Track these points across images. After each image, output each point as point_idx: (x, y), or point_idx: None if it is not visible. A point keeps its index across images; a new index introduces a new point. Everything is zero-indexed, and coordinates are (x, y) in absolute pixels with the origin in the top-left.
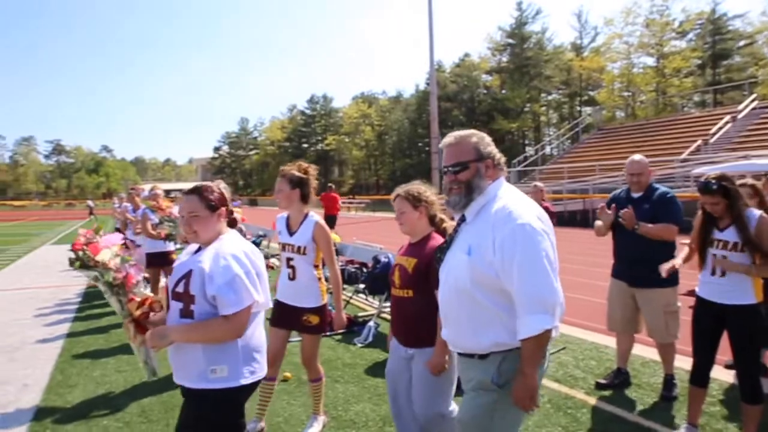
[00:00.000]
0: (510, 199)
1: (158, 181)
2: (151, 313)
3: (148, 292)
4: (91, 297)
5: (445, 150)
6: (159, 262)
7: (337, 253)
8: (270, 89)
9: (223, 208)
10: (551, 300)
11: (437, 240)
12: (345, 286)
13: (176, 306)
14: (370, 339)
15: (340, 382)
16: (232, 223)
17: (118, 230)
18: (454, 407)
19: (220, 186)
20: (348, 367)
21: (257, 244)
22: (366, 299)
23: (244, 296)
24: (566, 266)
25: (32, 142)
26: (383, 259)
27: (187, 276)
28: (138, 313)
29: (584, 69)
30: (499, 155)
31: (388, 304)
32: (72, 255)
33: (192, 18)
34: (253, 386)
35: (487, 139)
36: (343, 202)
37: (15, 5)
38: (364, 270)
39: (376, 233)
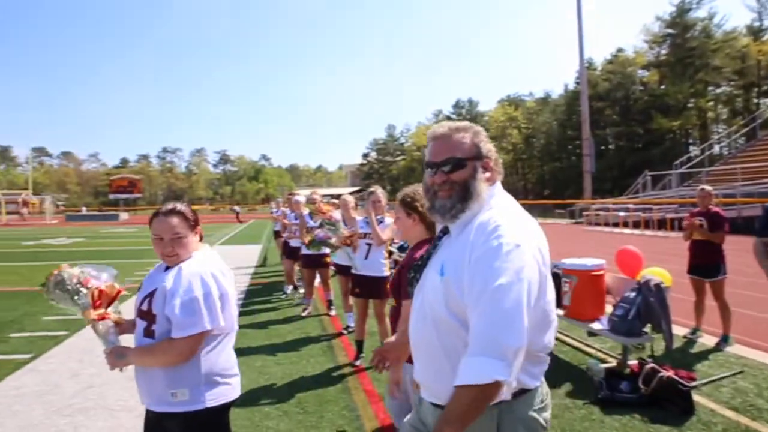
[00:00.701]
0: (501, 211)
1: (310, 187)
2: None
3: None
4: (253, 294)
5: (433, 143)
6: (314, 264)
7: None
8: (416, 95)
9: (198, 226)
10: (513, 344)
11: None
12: None
13: (141, 325)
14: None
15: None
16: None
17: (277, 233)
18: None
19: (377, 192)
20: None
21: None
22: None
23: (197, 320)
24: (742, 280)
25: (203, 153)
26: None
27: (152, 294)
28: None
29: (764, 55)
30: (497, 154)
31: None
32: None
33: (345, 28)
34: (225, 408)
35: (485, 133)
36: None
37: (194, 32)
38: None
39: None
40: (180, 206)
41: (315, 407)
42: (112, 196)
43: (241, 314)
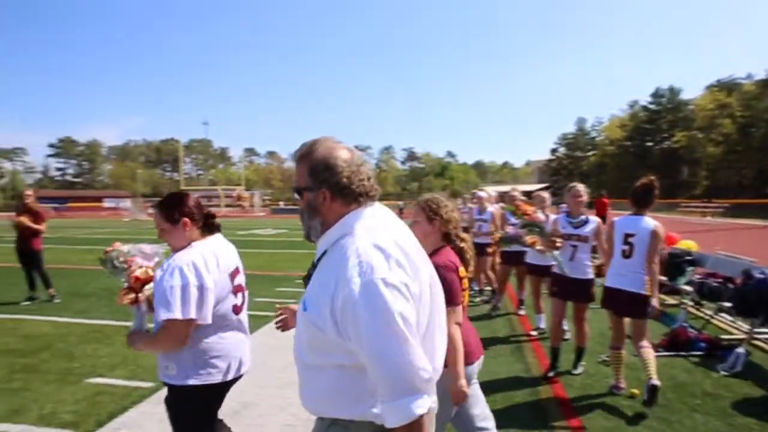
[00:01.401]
0: (364, 241)
1: (497, 183)
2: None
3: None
4: None
5: None
6: (511, 261)
7: (695, 263)
8: (608, 86)
9: (186, 219)
10: (419, 375)
11: (443, 256)
12: (705, 302)
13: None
14: (738, 368)
15: (698, 411)
16: (212, 226)
17: (465, 229)
18: None
19: (578, 187)
20: (709, 397)
21: None
22: (732, 321)
23: (170, 308)
24: None
25: (392, 150)
26: (758, 275)
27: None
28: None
29: None
30: (348, 183)
31: (763, 329)
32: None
33: (530, 19)
34: (211, 388)
35: (339, 160)
36: (696, 207)
37: (386, 32)
38: (730, 285)
39: (742, 243)
40: (164, 199)
41: (503, 408)
42: None
43: None
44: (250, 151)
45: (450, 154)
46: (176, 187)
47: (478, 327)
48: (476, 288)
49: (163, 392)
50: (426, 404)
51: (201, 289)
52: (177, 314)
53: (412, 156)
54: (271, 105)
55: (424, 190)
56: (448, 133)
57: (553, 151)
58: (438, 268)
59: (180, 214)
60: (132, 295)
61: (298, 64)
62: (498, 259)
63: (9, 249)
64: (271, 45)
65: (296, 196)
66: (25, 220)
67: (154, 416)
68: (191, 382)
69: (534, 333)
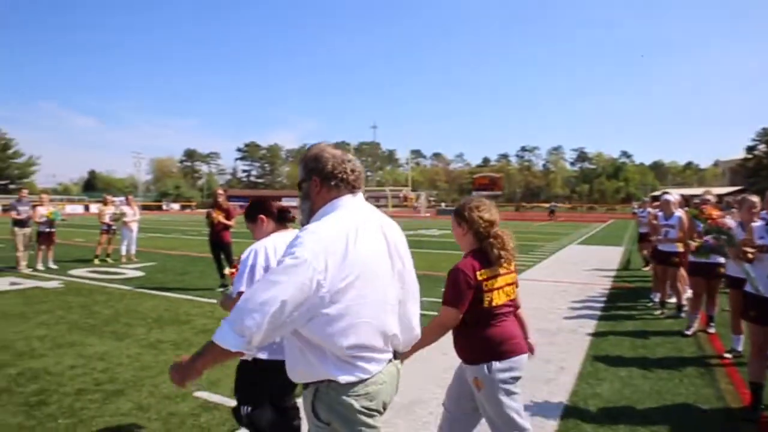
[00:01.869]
0: (315, 225)
1: (678, 186)
2: None
3: None
4: (615, 298)
5: None
6: (703, 273)
7: None
8: None
9: (261, 215)
10: (249, 325)
11: (463, 260)
12: None
13: None
14: None
15: None
16: (285, 220)
17: (642, 236)
18: None
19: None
20: None
21: None
22: None
23: (239, 283)
24: None
25: (560, 151)
26: None
27: None
28: None
29: None
30: (332, 170)
31: None
32: None
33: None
34: (271, 364)
35: (326, 153)
36: None
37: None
38: None
39: None
40: (246, 207)
41: None
42: (474, 193)
43: (602, 318)
44: (417, 153)
45: (625, 154)
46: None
47: (660, 343)
48: (656, 300)
49: None
50: (237, 347)
51: (266, 269)
52: (243, 288)
53: (582, 156)
54: (436, 108)
55: (595, 192)
56: (622, 131)
57: (750, 149)
58: (450, 271)
59: (257, 213)
60: (234, 270)
61: (461, 68)
62: (683, 271)
63: (204, 241)
64: (438, 51)
65: (299, 191)
66: (218, 216)
67: None
68: (259, 357)
69: (728, 356)
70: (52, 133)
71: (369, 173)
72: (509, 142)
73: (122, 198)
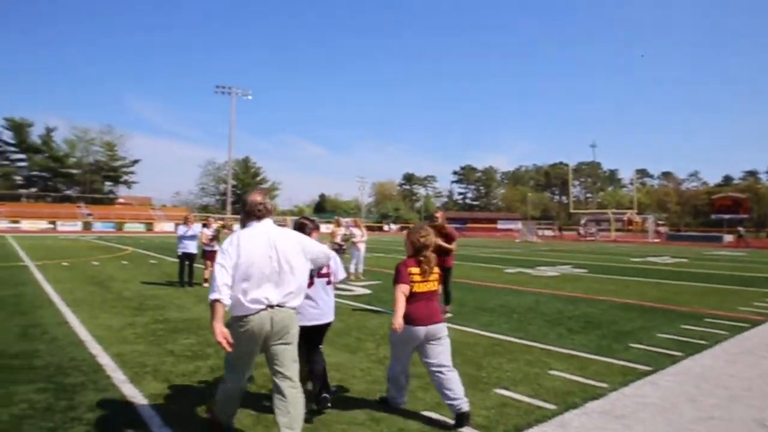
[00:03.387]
0: (238, 233)
1: None
2: None
3: None
4: None
5: None
6: None
7: None
8: None
9: (313, 232)
10: (216, 283)
11: (404, 261)
12: None
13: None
14: None
15: None
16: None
17: None
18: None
19: None
20: None
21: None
22: None
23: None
24: None
25: None
26: None
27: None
28: None
29: None
30: (248, 209)
31: None
32: None
33: None
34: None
35: (248, 198)
36: None
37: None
38: None
39: None
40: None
41: None
42: (714, 216)
43: None
44: (642, 173)
45: None
46: (565, 210)
47: None
48: None
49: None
50: (213, 296)
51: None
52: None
53: None
54: (665, 121)
55: None
56: None
57: None
58: (399, 265)
59: (311, 231)
60: None
61: (696, 72)
62: None
63: None
64: (666, 58)
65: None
66: (436, 240)
67: None
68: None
69: None
70: (289, 162)
71: (588, 195)
72: (759, 157)
73: (348, 219)
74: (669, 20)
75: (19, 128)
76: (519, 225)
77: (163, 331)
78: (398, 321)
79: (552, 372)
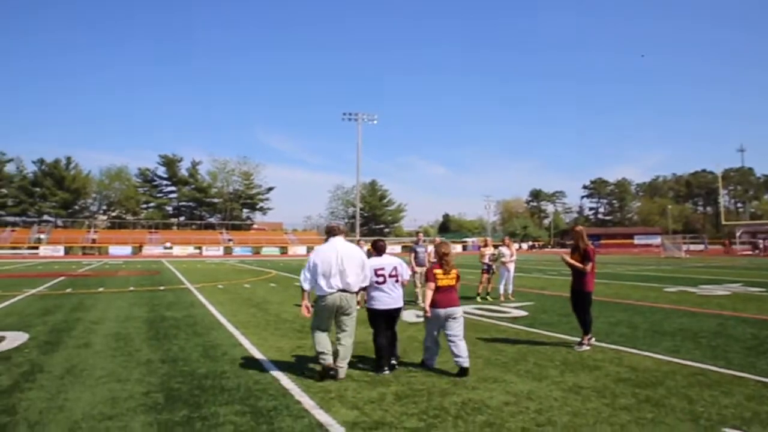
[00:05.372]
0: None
1: None
2: None
3: None
4: None
5: None
6: None
7: None
8: None
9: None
10: (303, 277)
11: (433, 266)
12: None
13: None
14: None
15: None
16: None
17: None
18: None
19: None
20: None
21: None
22: None
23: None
24: None
25: None
26: None
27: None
28: None
29: None
30: (328, 231)
31: None
32: None
33: None
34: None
35: (329, 225)
36: None
37: None
38: None
39: None
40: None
41: None
42: None
43: None
44: None
45: None
46: (711, 222)
47: None
48: None
49: None
50: (303, 285)
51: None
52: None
53: None
54: None
55: None
56: None
57: None
58: (427, 269)
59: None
60: None
61: None
62: None
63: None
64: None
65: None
66: (572, 259)
67: None
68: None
69: None
70: (413, 183)
71: (740, 204)
72: None
73: (477, 239)
74: None
75: (171, 163)
76: (659, 240)
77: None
78: (427, 308)
79: None
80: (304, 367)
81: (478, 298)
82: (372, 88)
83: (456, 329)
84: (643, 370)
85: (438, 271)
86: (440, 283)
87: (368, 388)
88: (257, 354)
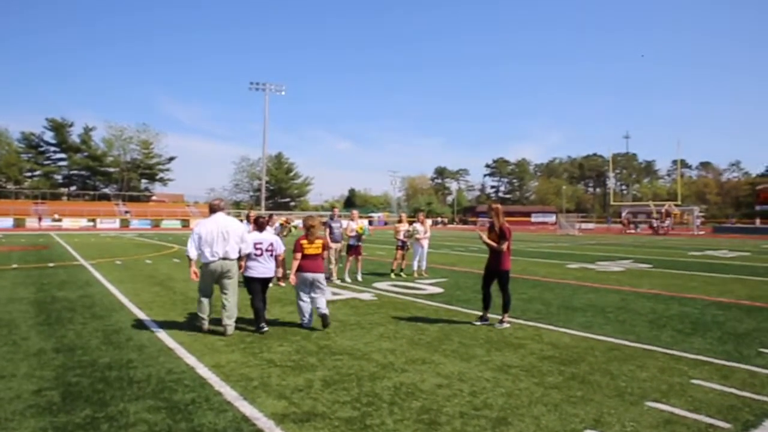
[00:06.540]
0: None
1: None
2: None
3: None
4: None
5: None
6: None
7: None
8: None
9: (250, 225)
10: (189, 248)
11: (301, 237)
12: None
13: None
14: None
15: None
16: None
17: None
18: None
19: None
20: None
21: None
22: None
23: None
24: None
25: None
26: None
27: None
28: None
29: None
30: (210, 206)
31: None
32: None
33: None
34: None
35: (212, 202)
36: None
37: None
38: None
39: None
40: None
41: None
42: (758, 207)
43: None
44: (680, 163)
45: None
46: (600, 202)
47: None
48: None
49: None
50: (190, 254)
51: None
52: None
53: None
54: (703, 110)
55: None
56: None
57: None
58: (296, 241)
59: (256, 224)
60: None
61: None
62: None
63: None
64: (700, 43)
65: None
66: (484, 237)
67: None
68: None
69: None
70: (319, 157)
71: (623, 187)
72: None
73: (355, 211)
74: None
75: (59, 128)
76: (554, 218)
77: (252, 338)
78: (292, 276)
79: (695, 381)
80: (220, 350)
81: (393, 275)
82: (280, 59)
83: (319, 291)
84: (563, 347)
85: (304, 241)
86: (306, 251)
87: (293, 374)
88: (167, 338)
